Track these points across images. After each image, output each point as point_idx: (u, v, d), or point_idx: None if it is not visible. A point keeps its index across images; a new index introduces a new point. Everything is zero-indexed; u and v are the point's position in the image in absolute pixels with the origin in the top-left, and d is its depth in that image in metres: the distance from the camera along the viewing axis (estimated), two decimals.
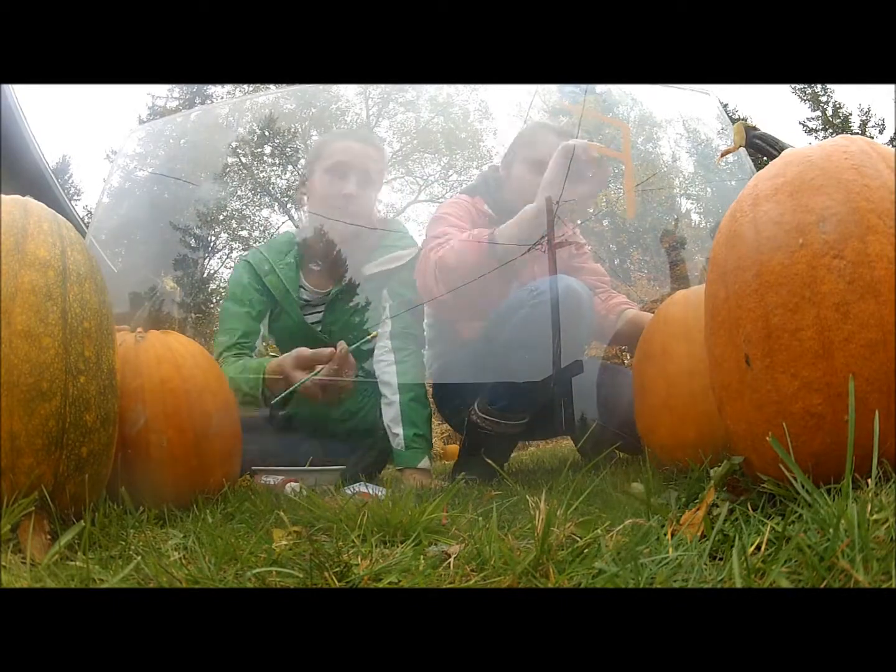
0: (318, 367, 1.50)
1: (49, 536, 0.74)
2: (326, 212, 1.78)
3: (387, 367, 1.74)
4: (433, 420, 1.88)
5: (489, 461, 1.70)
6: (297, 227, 1.96)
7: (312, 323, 1.82)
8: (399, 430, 1.67)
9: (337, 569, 0.60)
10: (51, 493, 0.76)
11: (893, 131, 11.89)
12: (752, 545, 0.55)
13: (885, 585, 0.41)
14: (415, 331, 1.82)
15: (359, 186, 1.77)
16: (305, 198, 1.93)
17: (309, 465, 1.47)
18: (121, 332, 1.09)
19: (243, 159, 2.33)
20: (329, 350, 1.51)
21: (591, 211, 1.74)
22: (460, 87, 2.39)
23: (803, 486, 0.58)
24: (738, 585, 0.45)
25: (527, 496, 0.95)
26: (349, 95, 2.61)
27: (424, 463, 1.64)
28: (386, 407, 1.71)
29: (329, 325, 1.81)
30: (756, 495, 0.71)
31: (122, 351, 1.03)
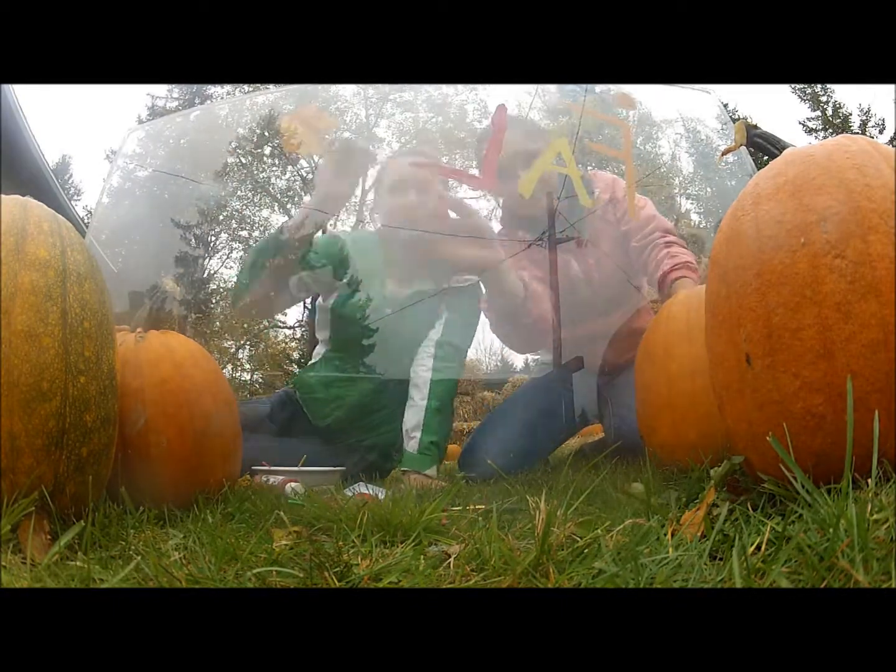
0: None
1: (49, 536, 0.74)
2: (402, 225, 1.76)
3: (424, 372, 1.72)
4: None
5: (490, 462, 1.70)
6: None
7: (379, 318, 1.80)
8: (417, 433, 1.66)
9: (337, 569, 0.60)
10: (51, 494, 0.76)
11: (893, 131, 11.89)
12: (752, 545, 0.55)
13: (885, 585, 0.41)
14: (463, 347, 1.81)
15: (419, 195, 1.75)
16: (377, 216, 1.93)
17: (302, 465, 1.48)
18: (121, 332, 1.09)
19: (243, 159, 2.33)
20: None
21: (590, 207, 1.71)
22: (459, 86, 2.39)
23: (803, 486, 0.58)
24: (738, 585, 0.45)
25: (527, 496, 0.95)
26: (347, 95, 2.61)
27: (432, 471, 1.63)
28: (410, 409, 1.70)
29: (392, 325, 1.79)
30: (756, 495, 0.71)
31: (122, 351, 1.03)
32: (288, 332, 7.53)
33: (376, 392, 1.81)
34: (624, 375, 1.66)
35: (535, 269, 1.65)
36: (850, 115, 12.22)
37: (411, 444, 1.66)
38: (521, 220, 1.73)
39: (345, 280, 1.78)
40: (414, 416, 1.69)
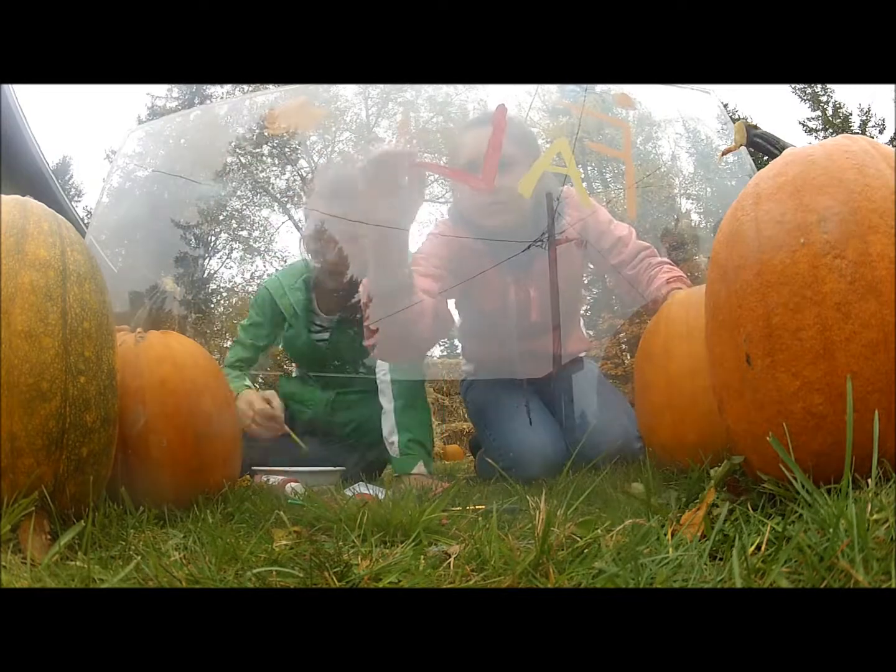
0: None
1: (49, 536, 0.74)
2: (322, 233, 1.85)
3: (384, 376, 1.74)
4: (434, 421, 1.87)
5: (489, 460, 1.70)
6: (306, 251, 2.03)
7: (318, 342, 1.97)
8: (394, 437, 1.66)
9: (337, 569, 0.60)
10: (51, 494, 0.76)
11: (893, 131, 11.89)
12: (752, 545, 0.55)
13: (885, 585, 0.41)
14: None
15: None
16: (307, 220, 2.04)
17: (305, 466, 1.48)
18: (121, 332, 1.09)
19: (242, 159, 2.33)
20: (278, 414, 1.69)
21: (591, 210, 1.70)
22: (459, 86, 2.38)
23: (803, 486, 0.58)
24: (738, 585, 0.45)
25: (527, 496, 0.95)
26: (348, 95, 2.61)
27: (419, 468, 1.62)
28: (383, 417, 1.71)
29: (335, 343, 1.95)
30: (756, 495, 0.71)
31: (122, 351, 1.03)
32: None
33: (336, 401, 1.96)
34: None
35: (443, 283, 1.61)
36: (850, 115, 12.23)
37: (393, 450, 1.66)
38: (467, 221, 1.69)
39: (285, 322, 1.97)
40: (387, 422, 1.69)
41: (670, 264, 1.67)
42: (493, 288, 1.65)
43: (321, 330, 1.98)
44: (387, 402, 1.71)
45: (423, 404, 1.76)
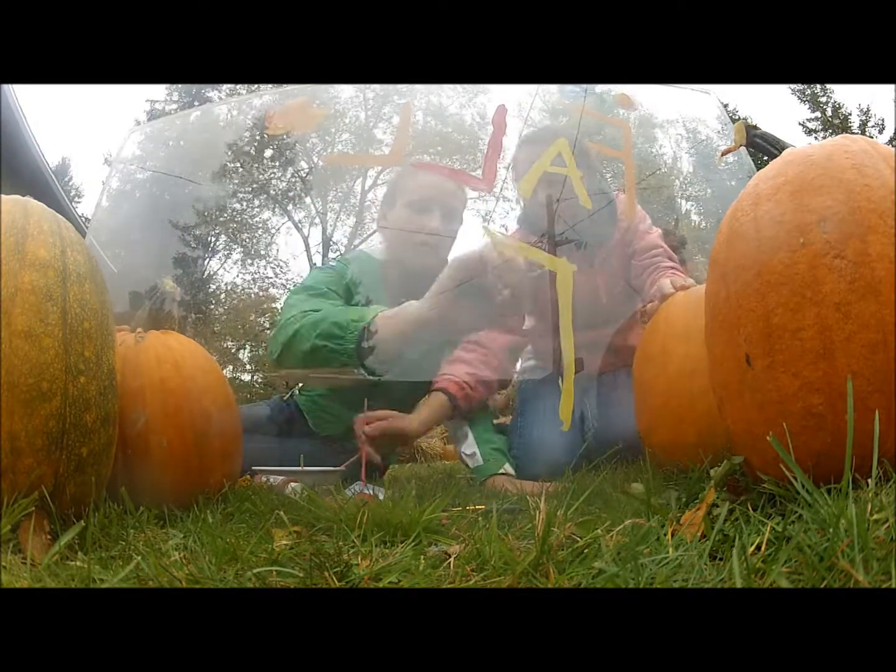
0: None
1: (49, 536, 0.74)
2: (406, 246, 1.72)
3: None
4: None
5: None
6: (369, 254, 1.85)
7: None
8: (473, 449, 1.64)
9: (337, 569, 0.60)
10: (51, 494, 0.76)
11: (893, 131, 11.89)
12: (752, 545, 0.55)
13: (885, 585, 0.41)
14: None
15: (443, 222, 1.70)
16: (387, 231, 1.85)
17: (303, 466, 1.47)
18: (121, 332, 1.09)
19: (242, 160, 2.33)
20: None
21: (590, 209, 1.71)
22: (458, 88, 2.38)
23: (803, 486, 0.58)
24: (739, 585, 0.45)
25: (527, 496, 0.95)
26: (347, 98, 2.62)
27: (506, 468, 1.60)
28: (458, 439, 1.70)
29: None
30: (756, 495, 0.71)
31: (122, 351, 1.03)
32: None
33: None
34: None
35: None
36: (850, 115, 12.22)
37: (474, 461, 1.64)
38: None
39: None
40: (462, 440, 1.68)
41: (681, 271, 1.65)
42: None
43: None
44: (460, 426, 1.70)
45: (493, 423, 1.76)
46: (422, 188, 1.72)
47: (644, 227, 1.76)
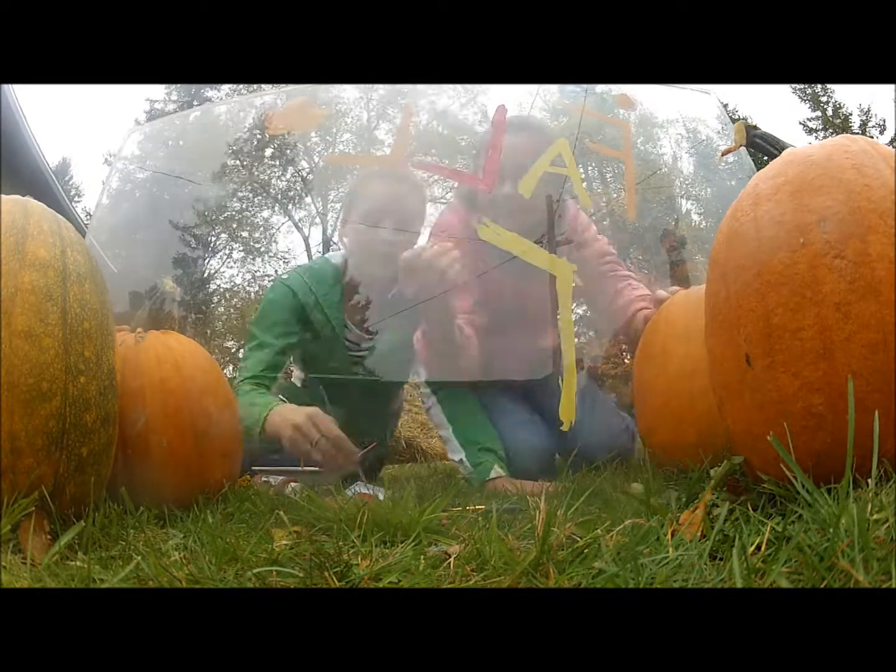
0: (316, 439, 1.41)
1: (49, 536, 0.74)
2: (363, 256, 1.74)
3: (431, 410, 1.73)
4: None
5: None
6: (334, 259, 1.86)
7: (355, 362, 1.79)
8: (459, 455, 1.61)
9: (337, 569, 0.60)
10: (51, 494, 0.76)
11: (894, 131, 11.90)
12: (752, 545, 0.55)
13: (885, 585, 0.41)
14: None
15: (398, 229, 1.69)
16: (346, 240, 1.86)
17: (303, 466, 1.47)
18: (121, 332, 1.09)
19: (242, 160, 2.33)
20: (338, 434, 1.42)
21: (592, 211, 1.72)
22: (459, 88, 2.38)
23: (803, 486, 0.58)
24: (739, 585, 0.45)
25: (527, 496, 0.95)
26: (349, 98, 2.62)
27: (496, 471, 1.54)
28: (447, 447, 1.69)
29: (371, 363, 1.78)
30: (756, 495, 0.71)
31: (122, 351, 1.03)
32: None
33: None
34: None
35: (462, 303, 1.62)
36: (850, 115, 12.23)
37: (464, 469, 1.61)
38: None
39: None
40: (450, 447, 1.66)
41: (636, 279, 1.73)
42: (500, 286, 1.66)
43: (356, 348, 1.80)
44: (443, 430, 1.68)
45: (481, 416, 1.70)
46: (373, 199, 1.73)
47: (590, 235, 1.78)
